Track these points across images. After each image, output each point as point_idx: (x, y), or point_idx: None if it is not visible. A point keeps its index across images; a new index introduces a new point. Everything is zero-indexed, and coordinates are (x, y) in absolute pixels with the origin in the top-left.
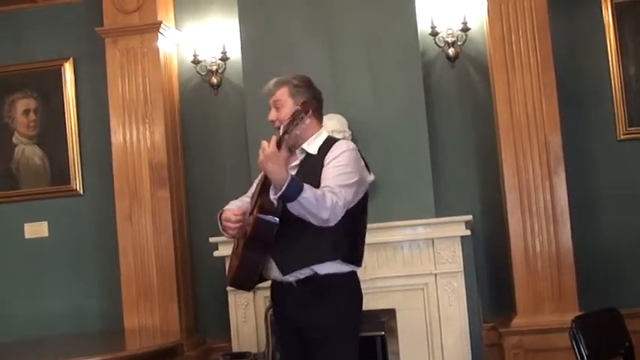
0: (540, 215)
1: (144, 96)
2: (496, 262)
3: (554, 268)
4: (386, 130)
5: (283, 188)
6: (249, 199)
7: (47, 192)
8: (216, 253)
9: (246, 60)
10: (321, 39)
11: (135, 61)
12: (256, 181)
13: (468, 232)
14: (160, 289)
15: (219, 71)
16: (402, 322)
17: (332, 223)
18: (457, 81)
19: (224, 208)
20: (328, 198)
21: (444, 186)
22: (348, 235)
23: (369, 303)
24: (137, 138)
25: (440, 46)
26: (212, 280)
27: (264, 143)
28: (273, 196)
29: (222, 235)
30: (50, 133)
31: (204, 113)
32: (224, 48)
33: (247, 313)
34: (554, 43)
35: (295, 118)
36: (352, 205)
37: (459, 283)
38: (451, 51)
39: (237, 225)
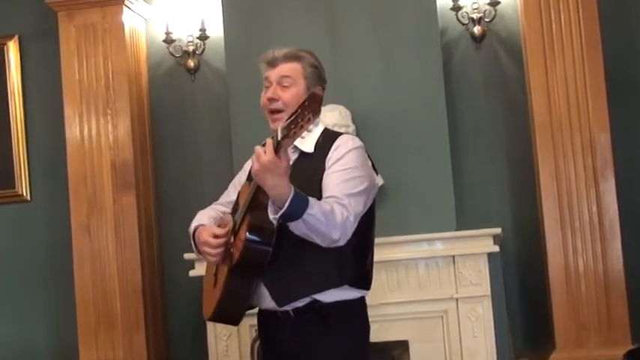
0: (584, 229)
1: (105, 81)
2: (530, 285)
3: (602, 292)
4: (397, 124)
5: (286, 206)
6: (224, 209)
7: None
8: (192, 273)
9: (229, 39)
10: (321, 14)
11: (94, 40)
12: (233, 185)
13: (497, 249)
14: (123, 316)
15: (197, 52)
16: (416, 357)
17: (342, 243)
18: (484, 66)
19: (196, 223)
20: (338, 212)
21: (467, 193)
22: (356, 254)
23: (377, 333)
24: (97, 132)
25: (463, 24)
26: (187, 306)
27: (259, 149)
28: (272, 216)
29: None
30: None
31: (179, 103)
32: (203, 24)
33: (230, 346)
34: (603, 21)
35: (301, 118)
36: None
37: (485, 310)
38: (477, 29)
39: (219, 250)
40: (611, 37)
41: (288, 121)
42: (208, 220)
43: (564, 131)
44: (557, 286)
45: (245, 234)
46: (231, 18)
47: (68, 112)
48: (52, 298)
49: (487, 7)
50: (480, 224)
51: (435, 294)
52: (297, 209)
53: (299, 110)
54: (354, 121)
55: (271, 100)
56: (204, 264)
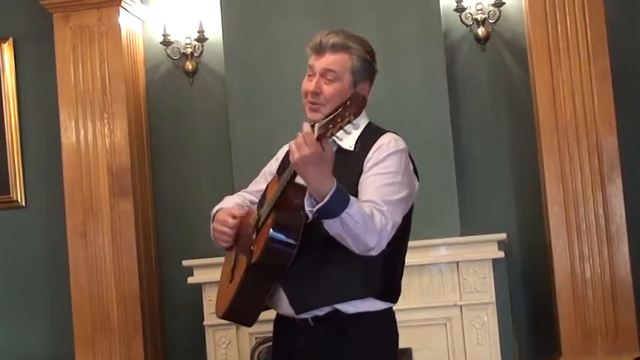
0: (591, 233)
1: (101, 85)
2: (536, 291)
3: (609, 298)
4: (400, 128)
5: (325, 199)
6: (252, 198)
7: None
8: (190, 279)
9: (228, 41)
10: (322, 16)
11: (90, 42)
12: (264, 173)
13: (502, 254)
14: (120, 323)
15: (196, 55)
16: None
17: (375, 253)
18: (488, 68)
19: (219, 207)
20: (377, 218)
21: (471, 198)
22: (385, 266)
23: None
24: (93, 137)
25: (467, 25)
26: (185, 312)
27: (300, 139)
28: (309, 209)
29: (197, 257)
30: None
31: (177, 106)
32: (201, 26)
33: (229, 353)
34: (609, 22)
35: (341, 119)
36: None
37: (489, 317)
38: (481, 31)
39: (233, 231)
40: (617, 38)
41: (327, 120)
42: (233, 206)
43: (570, 134)
44: (563, 292)
45: (269, 231)
46: (230, 19)
47: (64, 116)
48: (48, 304)
49: (491, 8)
50: (484, 229)
51: (438, 301)
52: (337, 206)
53: (340, 110)
54: None
55: (313, 93)
56: (206, 270)
